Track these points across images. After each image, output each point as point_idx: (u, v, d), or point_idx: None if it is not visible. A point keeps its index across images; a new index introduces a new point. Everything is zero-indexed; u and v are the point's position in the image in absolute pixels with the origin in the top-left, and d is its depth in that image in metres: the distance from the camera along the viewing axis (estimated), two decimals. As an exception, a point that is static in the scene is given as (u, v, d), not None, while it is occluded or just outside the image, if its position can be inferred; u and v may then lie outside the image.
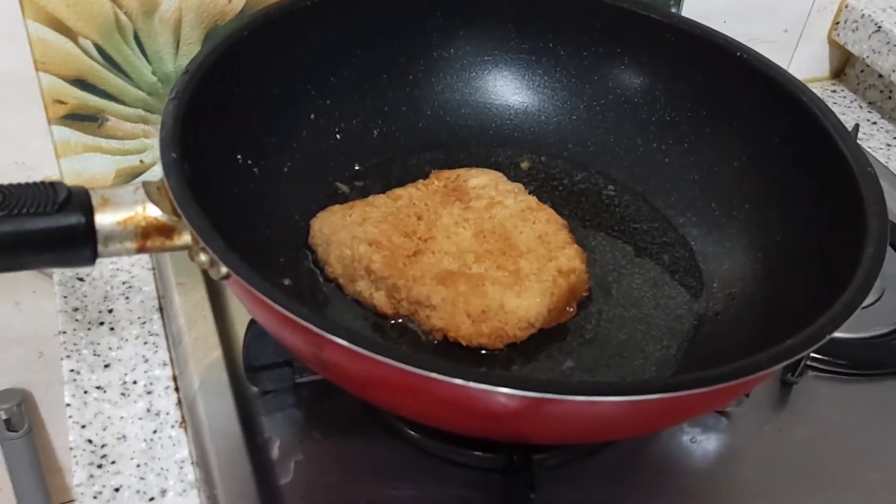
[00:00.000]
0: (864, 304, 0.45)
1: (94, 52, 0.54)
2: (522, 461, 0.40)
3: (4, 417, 0.70)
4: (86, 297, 0.54)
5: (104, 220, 0.34)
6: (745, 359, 0.33)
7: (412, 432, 0.45)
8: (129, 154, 0.58)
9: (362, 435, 0.46)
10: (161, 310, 0.54)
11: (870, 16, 0.78)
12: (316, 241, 0.47)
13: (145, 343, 0.52)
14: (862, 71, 0.83)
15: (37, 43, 0.53)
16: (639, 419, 0.33)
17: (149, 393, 0.49)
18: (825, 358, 0.52)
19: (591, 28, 0.55)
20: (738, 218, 0.50)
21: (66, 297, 0.54)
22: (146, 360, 0.51)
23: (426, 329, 0.43)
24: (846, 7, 0.80)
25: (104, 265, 0.57)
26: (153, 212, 0.35)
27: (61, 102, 0.55)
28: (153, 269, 0.57)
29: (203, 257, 0.35)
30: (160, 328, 0.53)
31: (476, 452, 0.43)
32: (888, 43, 0.76)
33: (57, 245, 0.33)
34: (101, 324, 0.53)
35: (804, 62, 0.83)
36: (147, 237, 0.35)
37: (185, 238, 0.36)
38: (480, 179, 0.50)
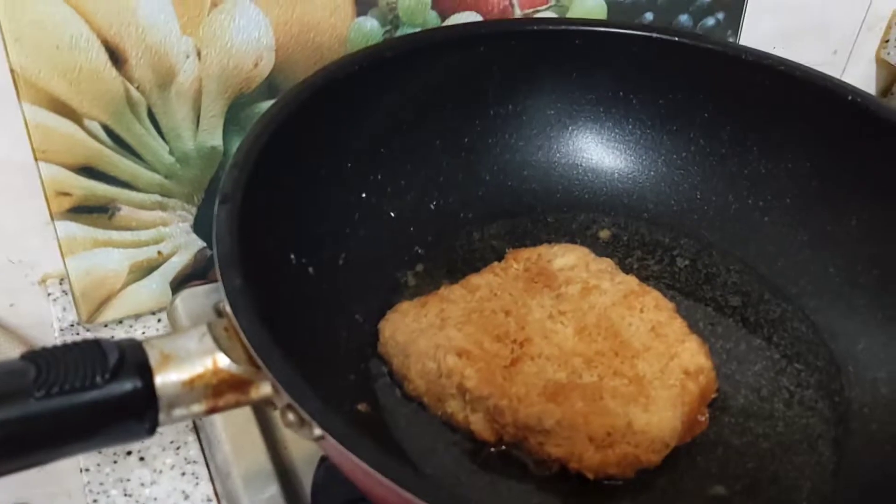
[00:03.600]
0: None
1: (103, 135, 0.46)
2: None
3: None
4: (107, 419, 0.46)
5: (166, 381, 0.27)
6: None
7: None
8: (144, 246, 0.50)
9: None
10: (196, 430, 0.46)
11: (925, 31, 0.73)
12: (390, 352, 0.39)
13: (183, 474, 0.44)
14: (914, 89, 0.77)
15: (35, 129, 0.45)
16: None
17: (194, 534, 0.41)
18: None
19: (665, 72, 0.49)
20: (866, 286, 0.43)
21: (84, 422, 0.46)
22: (186, 497, 0.43)
23: (538, 457, 0.36)
24: (895, 25, 0.74)
25: (124, 377, 0.49)
26: (223, 362, 0.28)
27: (65, 194, 0.47)
28: (181, 377, 0.49)
29: (291, 417, 0.27)
30: (198, 453, 0.45)
31: None
32: (949, 60, 0.71)
33: (109, 423, 0.26)
34: (129, 453, 0.45)
35: (852, 82, 0.77)
36: (219, 396, 0.28)
37: (264, 391, 0.28)
38: (566, 259, 0.43)
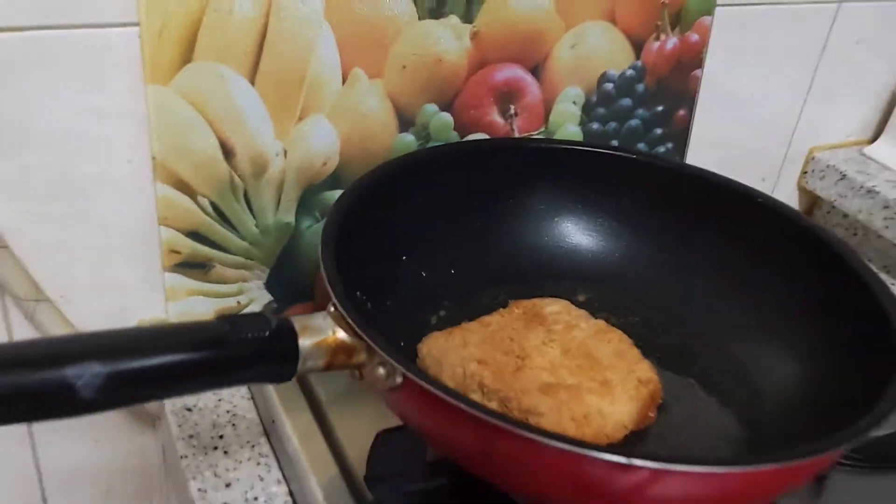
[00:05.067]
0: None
1: (209, 209, 0.62)
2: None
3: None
4: (197, 425, 0.60)
5: (305, 342, 0.41)
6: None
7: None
8: (227, 297, 0.65)
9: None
10: (266, 434, 0.60)
11: (835, 166, 0.92)
12: (427, 363, 0.54)
13: (258, 464, 0.57)
14: (828, 212, 0.96)
15: (162, 201, 0.60)
16: (748, 489, 0.41)
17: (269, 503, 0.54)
18: (853, 456, 0.60)
19: (626, 180, 0.66)
20: (774, 331, 0.58)
21: (180, 425, 0.60)
22: (262, 479, 0.56)
23: (536, 434, 0.50)
24: (812, 159, 0.94)
25: (207, 397, 0.63)
26: (340, 334, 0.42)
27: (176, 252, 0.62)
28: (251, 398, 0.63)
29: (380, 371, 0.42)
30: (269, 450, 0.58)
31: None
32: (852, 188, 0.90)
33: (269, 363, 0.40)
34: (216, 448, 0.58)
35: (779, 205, 0.96)
36: (334, 356, 0.42)
37: (361, 357, 0.43)
38: (554, 307, 0.59)
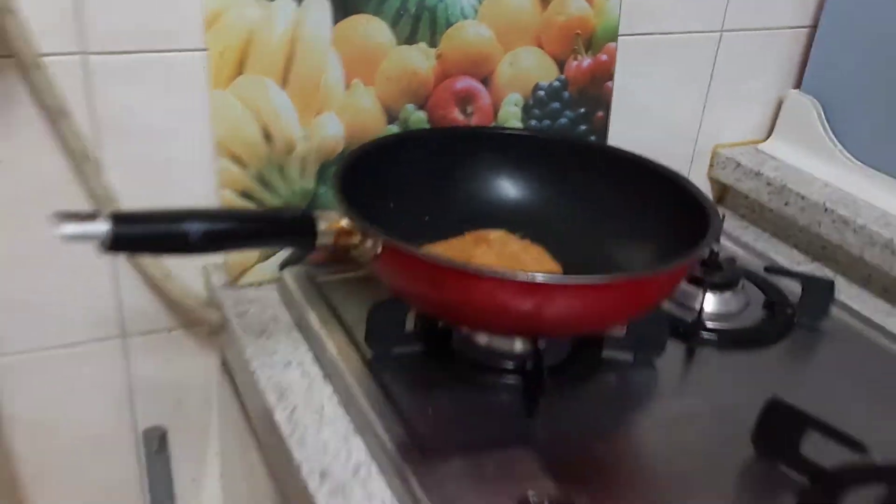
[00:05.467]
0: (735, 309, 0.86)
1: (255, 176, 0.89)
2: (535, 369, 0.72)
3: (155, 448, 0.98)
4: (249, 323, 0.86)
5: (321, 224, 0.67)
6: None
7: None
8: (267, 242, 0.92)
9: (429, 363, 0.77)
10: (298, 327, 0.85)
11: (733, 158, 1.18)
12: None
13: (292, 342, 0.83)
14: (734, 196, 1.21)
15: (222, 171, 0.88)
16: (618, 300, 0.65)
17: (300, 364, 0.79)
18: (714, 339, 0.85)
19: (550, 153, 0.92)
20: (642, 238, 0.84)
21: (238, 323, 0.85)
22: (295, 350, 0.81)
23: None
24: (717, 154, 1.20)
25: (255, 308, 0.88)
26: (343, 222, 0.69)
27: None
28: (286, 308, 0.88)
29: (369, 243, 0.68)
30: (299, 336, 0.84)
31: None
32: (745, 173, 1.16)
33: (298, 234, 0.67)
34: (262, 334, 0.84)
35: (694, 192, 1.21)
36: (339, 236, 0.68)
37: (356, 238, 0.69)
38: (496, 233, 0.84)
